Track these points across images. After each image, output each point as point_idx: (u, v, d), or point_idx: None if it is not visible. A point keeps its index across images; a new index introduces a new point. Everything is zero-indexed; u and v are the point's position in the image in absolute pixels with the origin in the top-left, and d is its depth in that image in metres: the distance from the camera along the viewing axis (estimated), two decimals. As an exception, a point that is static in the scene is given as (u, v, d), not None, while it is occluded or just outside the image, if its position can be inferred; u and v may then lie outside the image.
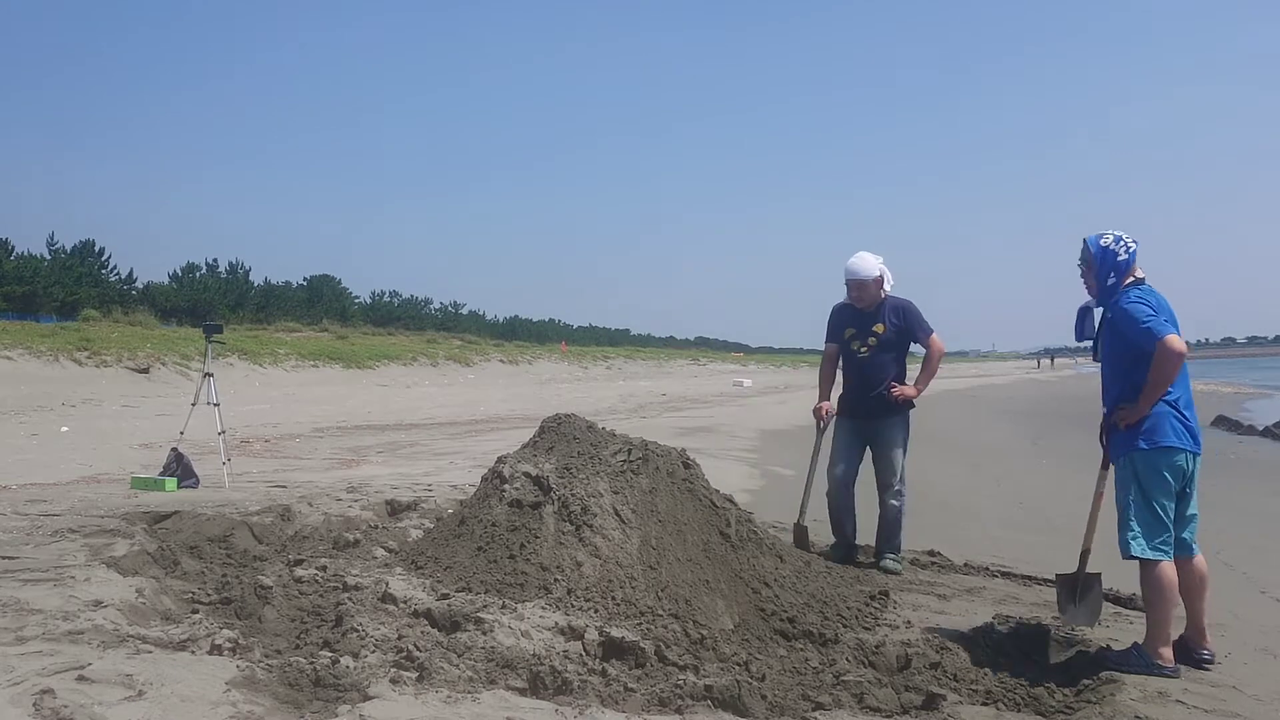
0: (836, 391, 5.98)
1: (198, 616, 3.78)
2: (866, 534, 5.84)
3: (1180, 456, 3.91)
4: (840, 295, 5.89)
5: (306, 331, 42.40)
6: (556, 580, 3.90)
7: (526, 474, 4.43)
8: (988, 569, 5.70)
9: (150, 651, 3.23)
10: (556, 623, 3.55)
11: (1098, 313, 4.19)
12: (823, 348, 6.02)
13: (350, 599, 3.81)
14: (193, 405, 8.21)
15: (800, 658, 3.81)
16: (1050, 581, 4.77)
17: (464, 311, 72.61)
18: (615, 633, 3.51)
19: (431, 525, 5.55)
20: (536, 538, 4.11)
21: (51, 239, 47.03)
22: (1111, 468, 4.15)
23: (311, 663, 3.19)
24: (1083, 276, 4.20)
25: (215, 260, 54.61)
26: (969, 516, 7.78)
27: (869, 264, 5.65)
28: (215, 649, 3.30)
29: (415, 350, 40.43)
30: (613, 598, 3.85)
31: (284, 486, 7.59)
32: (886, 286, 5.72)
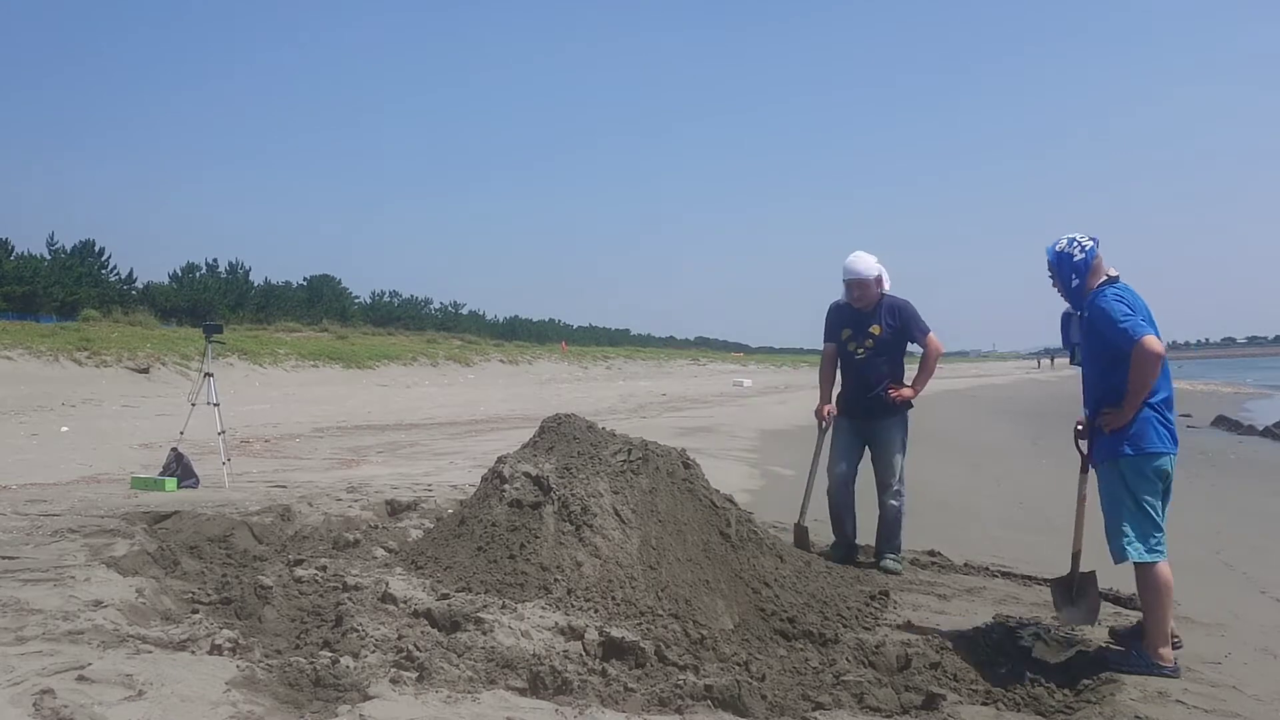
0: (835, 390, 5.98)
1: (198, 616, 3.78)
2: (866, 534, 5.84)
3: (1164, 459, 3.94)
4: (837, 294, 5.88)
5: (306, 331, 42.40)
6: (556, 580, 3.90)
7: (526, 474, 4.43)
8: (988, 569, 5.70)
9: (150, 651, 3.23)
10: (556, 623, 3.55)
11: (1079, 318, 4.18)
12: (822, 347, 6.01)
13: (350, 599, 3.81)
14: (192, 405, 8.20)
15: (800, 658, 3.81)
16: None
17: (464, 311, 72.67)
18: (615, 633, 3.51)
19: (431, 525, 5.55)
20: (536, 538, 4.11)
21: (51, 239, 47.13)
22: (1092, 470, 4.17)
23: (311, 663, 3.19)
24: (1053, 285, 4.22)
25: (215, 260, 54.74)
26: (969, 516, 7.77)
27: (868, 263, 5.63)
28: (215, 649, 3.30)
29: (415, 350, 40.42)
30: (613, 598, 3.85)
31: (284, 486, 7.59)
32: (886, 286, 5.71)
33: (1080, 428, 4.26)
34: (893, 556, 5.61)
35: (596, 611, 3.74)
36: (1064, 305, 4.30)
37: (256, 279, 56.22)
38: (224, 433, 8.23)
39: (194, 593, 4.25)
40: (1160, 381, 3.94)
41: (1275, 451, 14.84)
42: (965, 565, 5.80)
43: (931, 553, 5.98)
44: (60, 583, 4.01)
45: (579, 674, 3.25)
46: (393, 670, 3.15)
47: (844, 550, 5.75)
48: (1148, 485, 3.92)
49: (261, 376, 27.15)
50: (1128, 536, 3.90)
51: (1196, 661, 3.95)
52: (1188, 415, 21.63)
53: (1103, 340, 3.97)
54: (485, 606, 3.65)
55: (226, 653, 3.28)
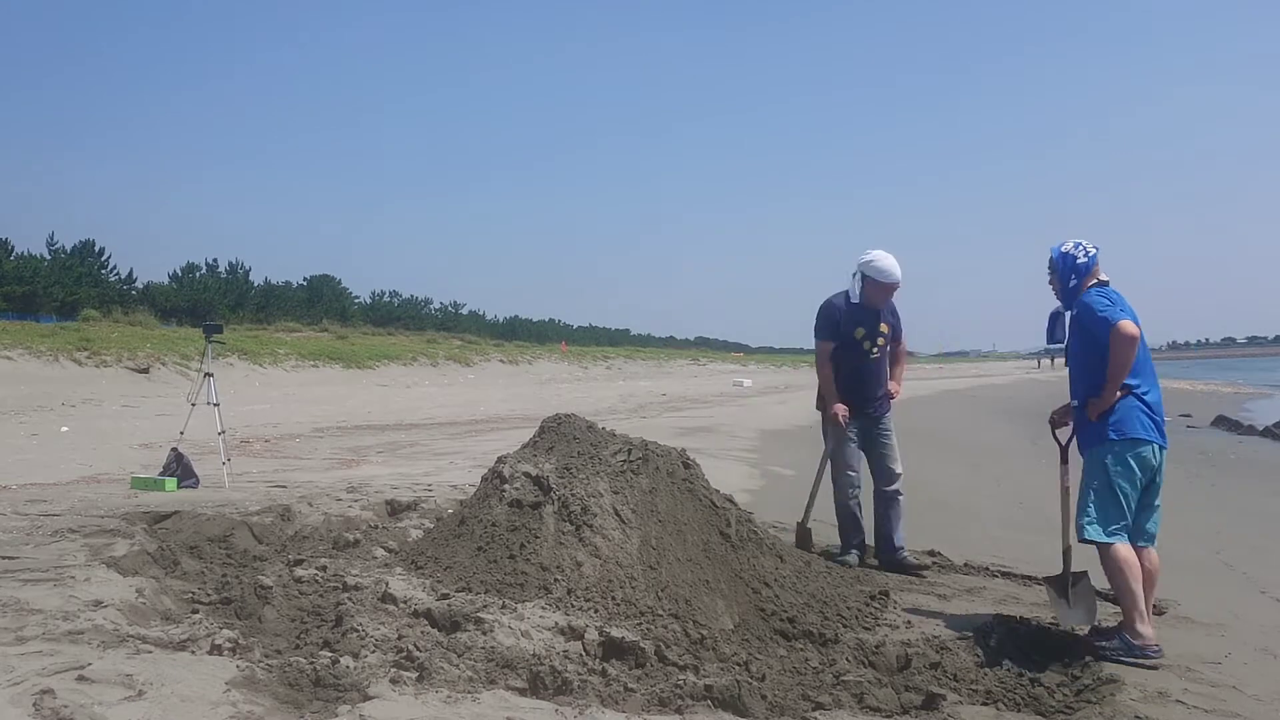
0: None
1: (198, 616, 3.78)
2: (867, 534, 5.84)
3: (1147, 448, 4.11)
4: (831, 289, 5.88)
5: (306, 331, 42.41)
6: (556, 580, 3.90)
7: (526, 474, 4.43)
8: (988, 569, 5.70)
9: (150, 651, 3.23)
10: (556, 623, 3.55)
11: (1068, 317, 4.41)
12: (816, 348, 5.87)
13: (350, 599, 3.81)
14: (192, 405, 8.20)
15: (800, 658, 3.81)
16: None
17: (464, 311, 72.72)
18: (615, 633, 3.51)
19: (431, 525, 5.55)
20: (536, 538, 4.11)
21: (51, 239, 47.19)
22: (1070, 462, 4.42)
23: (311, 663, 3.19)
24: (1050, 283, 4.45)
25: (215, 260, 54.80)
26: (969, 516, 7.77)
27: (899, 266, 5.66)
28: (215, 649, 3.30)
29: (415, 350, 40.43)
30: (613, 598, 3.85)
31: (284, 486, 7.59)
32: None
33: (1055, 418, 4.60)
34: (907, 550, 5.64)
35: (596, 611, 3.74)
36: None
37: (256, 279, 56.35)
38: (224, 433, 8.23)
39: (194, 593, 4.25)
40: (1146, 381, 4.15)
41: (1275, 451, 14.84)
42: (965, 565, 5.80)
43: (931, 553, 5.98)
44: (60, 583, 4.01)
45: (579, 674, 3.25)
46: (393, 670, 3.15)
47: (860, 553, 5.74)
48: (1126, 472, 4.10)
49: (261, 376, 27.15)
50: (1089, 516, 4.12)
51: (1196, 661, 3.95)
52: (1187, 415, 21.64)
53: (1089, 333, 4.19)
54: (485, 606, 3.65)
55: (226, 653, 3.28)
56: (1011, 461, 12.66)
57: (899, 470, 5.76)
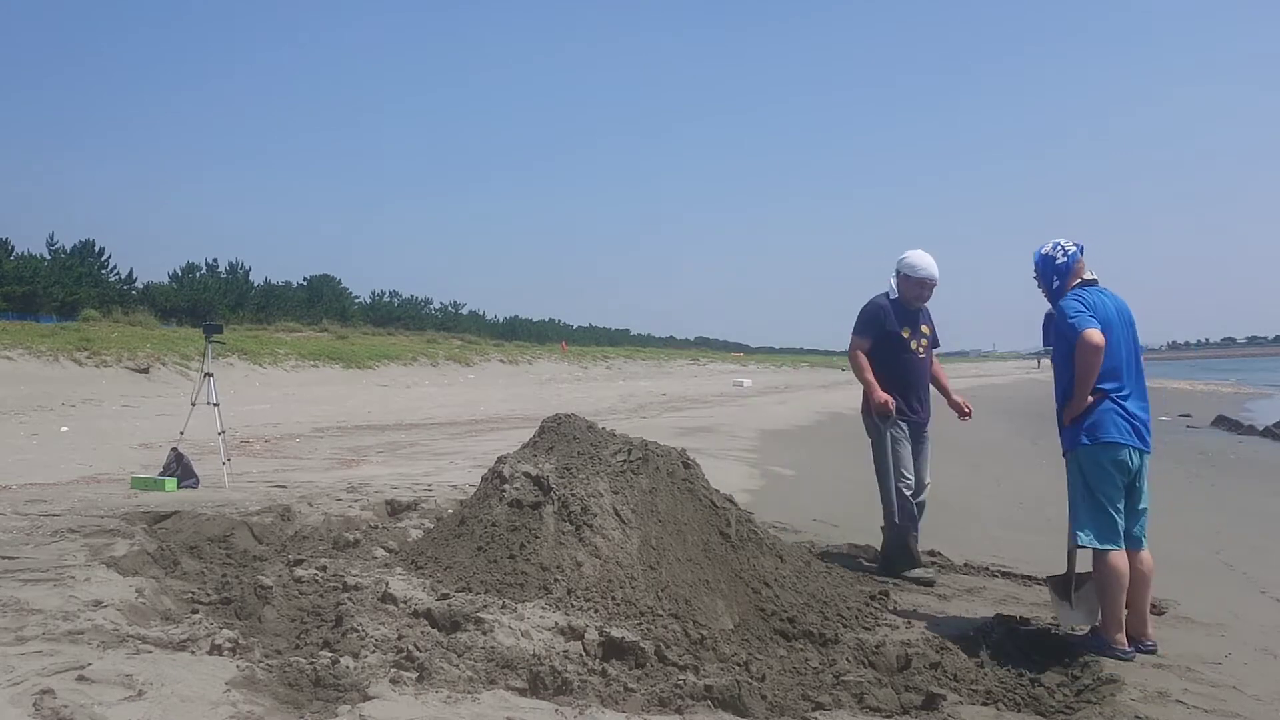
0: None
1: (198, 616, 3.78)
2: (868, 534, 5.84)
3: (1124, 451, 4.06)
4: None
5: (306, 331, 42.40)
6: (556, 580, 3.90)
7: (526, 474, 4.43)
8: (988, 569, 5.70)
9: (150, 651, 3.23)
10: (556, 623, 3.55)
11: None
12: (850, 345, 5.75)
13: (350, 599, 3.81)
14: (192, 405, 8.20)
15: (800, 658, 3.81)
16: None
17: (464, 311, 72.67)
18: (615, 633, 3.51)
19: (431, 525, 5.55)
20: (536, 538, 4.11)
21: (51, 239, 47.14)
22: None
23: (311, 663, 3.19)
24: (1038, 287, 4.42)
25: (215, 260, 54.75)
26: (969, 516, 7.77)
27: (935, 264, 5.63)
28: (215, 649, 3.30)
29: (415, 350, 40.42)
30: (613, 598, 3.85)
31: (284, 486, 7.59)
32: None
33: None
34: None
35: (596, 611, 3.74)
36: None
37: (256, 279, 56.30)
38: (224, 433, 8.23)
39: (194, 593, 4.25)
40: (1128, 384, 4.12)
41: (1275, 451, 14.84)
42: (965, 565, 5.80)
43: (931, 553, 5.98)
44: (60, 583, 4.01)
45: (579, 674, 3.25)
46: (393, 670, 3.15)
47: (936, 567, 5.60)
48: (1104, 476, 4.07)
49: (261, 376, 27.14)
50: (1080, 523, 4.10)
51: (1196, 661, 3.95)
52: (1187, 415, 21.64)
53: (1062, 338, 4.19)
54: (485, 606, 3.65)
55: (226, 653, 3.28)
56: (1011, 461, 12.66)
57: (928, 480, 5.71)
